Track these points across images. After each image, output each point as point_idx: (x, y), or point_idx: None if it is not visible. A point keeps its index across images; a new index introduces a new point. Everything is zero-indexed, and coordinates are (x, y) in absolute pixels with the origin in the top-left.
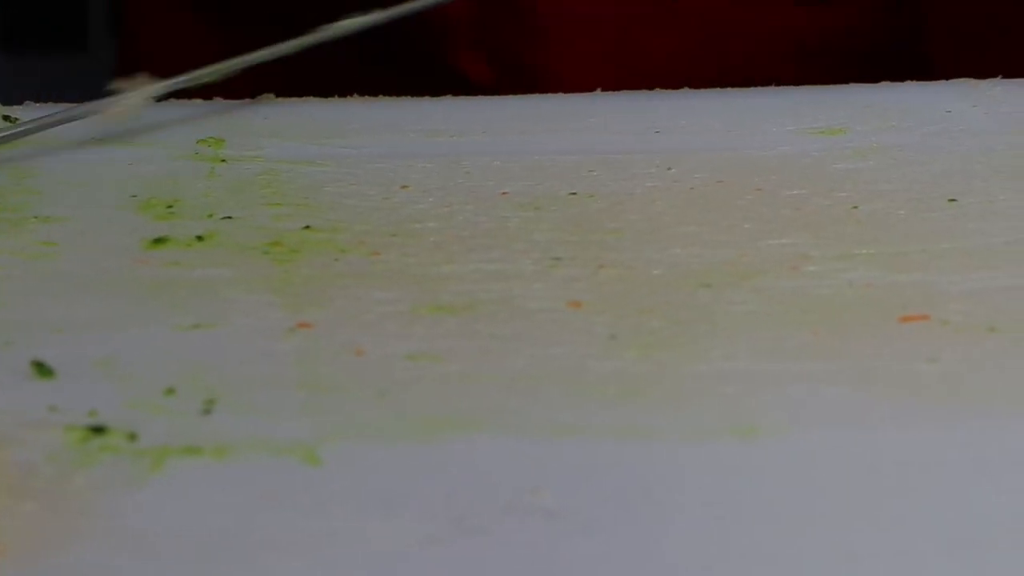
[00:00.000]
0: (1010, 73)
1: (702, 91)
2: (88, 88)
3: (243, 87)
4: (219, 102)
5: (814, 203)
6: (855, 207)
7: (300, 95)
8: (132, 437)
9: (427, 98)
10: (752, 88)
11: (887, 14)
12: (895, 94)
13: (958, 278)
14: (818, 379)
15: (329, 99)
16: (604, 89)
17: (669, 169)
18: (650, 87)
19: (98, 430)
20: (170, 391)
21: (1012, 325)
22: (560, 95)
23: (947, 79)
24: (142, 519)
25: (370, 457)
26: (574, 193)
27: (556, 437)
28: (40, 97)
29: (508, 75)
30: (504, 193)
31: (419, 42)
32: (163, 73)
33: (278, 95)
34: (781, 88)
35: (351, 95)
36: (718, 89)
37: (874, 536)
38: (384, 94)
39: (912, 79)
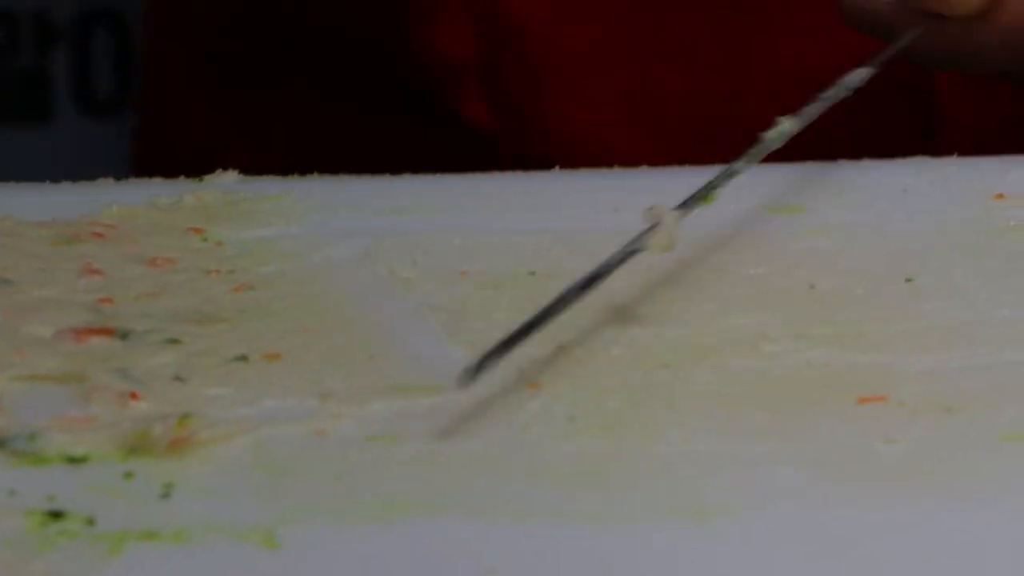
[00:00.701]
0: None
1: (659, 168)
2: (51, 160)
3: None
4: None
5: (773, 282)
6: (813, 286)
7: (309, 145)
8: (90, 522)
9: (387, 175)
10: (709, 166)
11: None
12: (853, 172)
13: (915, 358)
14: (776, 460)
15: (290, 177)
16: (609, 132)
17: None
18: (656, 129)
19: (56, 515)
20: (128, 475)
21: (969, 406)
22: (517, 173)
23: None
24: None
25: (329, 540)
26: (533, 272)
27: (514, 520)
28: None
29: (510, 121)
30: (463, 272)
31: (420, 87)
32: (186, 144)
33: (284, 156)
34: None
35: (351, 143)
36: (675, 167)
37: None
38: (383, 139)
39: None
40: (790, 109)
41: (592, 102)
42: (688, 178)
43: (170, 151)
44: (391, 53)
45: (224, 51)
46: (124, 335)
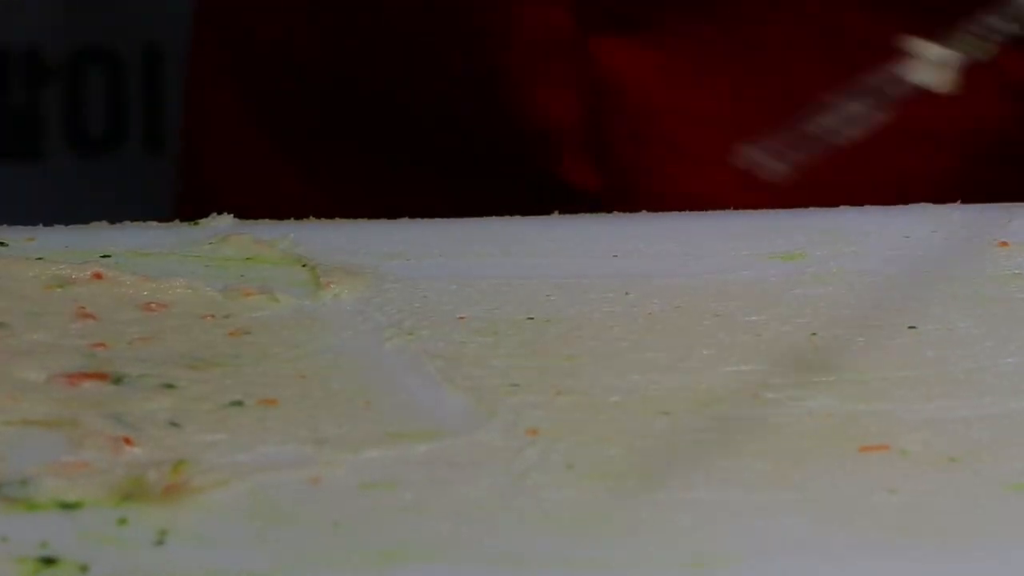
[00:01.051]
0: None
1: (659, 214)
2: (42, 198)
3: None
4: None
5: (773, 329)
6: (814, 334)
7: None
8: (83, 569)
9: (383, 220)
10: (709, 212)
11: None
12: (853, 218)
13: (918, 407)
14: (777, 509)
15: (286, 220)
16: (716, 190)
17: (627, 294)
18: (766, 192)
19: (49, 561)
20: (122, 521)
21: (972, 455)
22: (516, 218)
23: None
24: None
25: None
26: (531, 318)
27: (513, 568)
28: None
29: (615, 180)
30: (461, 317)
31: (522, 151)
32: (231, 187)
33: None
34: (737, 212)
35: (444, 209)
36: (674, 213)
37: None
38: (483, 206)
39: None
40: (905, 162)
41: (698, 162)
42: (685, 222)
43: (209, 190)
44: (487, 115)
45: (282, 97)
46: (118, 380)
